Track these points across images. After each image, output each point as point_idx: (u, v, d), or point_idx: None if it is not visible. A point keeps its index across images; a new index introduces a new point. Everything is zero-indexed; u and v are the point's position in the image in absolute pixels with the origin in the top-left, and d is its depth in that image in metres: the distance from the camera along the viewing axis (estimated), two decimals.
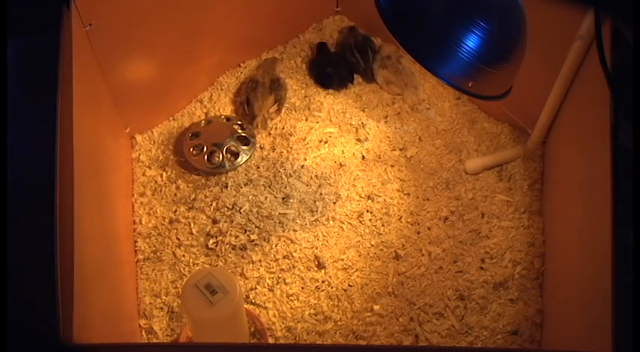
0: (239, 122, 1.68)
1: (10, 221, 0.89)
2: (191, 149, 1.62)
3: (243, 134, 1.65)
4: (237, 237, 1.47)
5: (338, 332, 1.34)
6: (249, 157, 1.62)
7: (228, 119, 1.69)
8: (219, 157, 1.59)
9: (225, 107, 1.74)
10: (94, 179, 1.26)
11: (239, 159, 1.61)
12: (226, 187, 1.56)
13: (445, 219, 1.50)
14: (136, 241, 1.48)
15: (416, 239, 1.47)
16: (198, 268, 1.43)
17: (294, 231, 1.48)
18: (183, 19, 1.54)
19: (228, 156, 1.60)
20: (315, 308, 1.37)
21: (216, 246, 1.46)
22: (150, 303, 1.38)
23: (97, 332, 1.02)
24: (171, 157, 1.63)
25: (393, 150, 1.64)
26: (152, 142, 1.66)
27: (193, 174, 1.60)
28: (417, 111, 1.71)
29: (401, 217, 1.51)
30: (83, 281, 0.98)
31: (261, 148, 1.64)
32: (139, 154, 1.63)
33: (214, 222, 1.50)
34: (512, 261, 1.42)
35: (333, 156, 1.63)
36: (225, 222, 1.50)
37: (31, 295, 0.87)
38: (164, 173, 1.60)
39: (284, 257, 1.44)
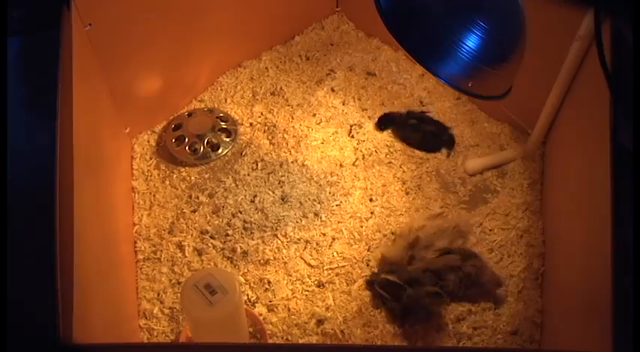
0: (221, 114, 1.69)
1: (10, 221, 0.89)
2: (173, 140, 1.64)
3: (224, 126, 1.67)
4: (236, 237, 1.47)
5: (338, 333, 1.34)
6: (232, 148, 1.64)
7: (210, 111, 1.71)
8: (200, 148, 1.61)
9: (225, 107, 1.74)
10: (94, 179, 1.26)
11: (220, 150, 1.63)
12: (226, 187, 1.56)
13: (445, 219, 1.50)
14: (135, 241, 1.48)
15: None
16: (197, 268, 1.43)
17: (294, 231, 1.48)
18: (183, 19, 1.54)
19: (208, 148, 1.62)
20: (315, 309, 1.37)
21: (215, 246, 1.46)
22: (150, 303, 1.38)
23: (97, 332, 1.02)
24: (159, 150, 1.64)
25: (393, 149, 1.64)
26: (152, 142, 1.66)
27: (193, 174, 1.60)
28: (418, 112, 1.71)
29: (401, 217, 1.51)
30: (83, 281, 0.98)
31: (260, 148, 1.64)
32: (139, 154, 1.63)
33: (214, 222, 1.50)
34: (512, 261, 1.42)
35: (333, 156, 1.63)
36: (225, 222, 1.50)
37: (31, 295, 0.87)
38: (164, 173, 1.60)
39: (284, 257, 1.44)
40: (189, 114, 1.70)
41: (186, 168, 1.61)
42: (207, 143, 1.63)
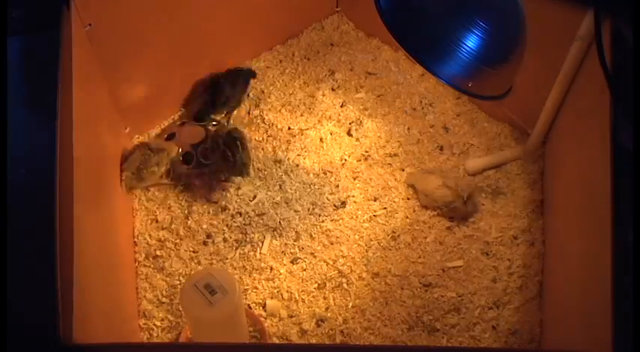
0: (214, 123, 1.65)
1: (10, 221, 0.89)
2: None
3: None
4: (236, 237, 1.47)
5: (338, 333, 1.34)
6: None
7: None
8: (193, 159, 1.55)
9: None
10: (94, 179, 1.26)
11: None
12: (226, 188, 1.56)
13: (445, 219, 1.50)
14: (135, 241, 1.48)
15: (418, 238, 1.47)
16: (197, 268, 1.43)
17: (294, 232, 1.48)
18: (183, 19, 1.54)
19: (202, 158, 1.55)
20: (315, 309, 1.37)
21: (215, 247, 1.46)
22: (150, 303, 1.38)
23: (97, 332, 1.03)
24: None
25: (394, 150, 1.64)
26: None
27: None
28: (418, 112, 1.71)
29: (402, 217, 1.51)
30: (83, 281, 0.98)
31: (260, 148, 1.64)
32: None
33: (213, 222, 1.50)
34: (512, 261, 1.42)
35: (334, 156, 1.63)
36: (225, 222, 1.50)
37: (31, 295, 0.87)
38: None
39: (284, 258, 1.45)
40: (182, 123, 1.65)
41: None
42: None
